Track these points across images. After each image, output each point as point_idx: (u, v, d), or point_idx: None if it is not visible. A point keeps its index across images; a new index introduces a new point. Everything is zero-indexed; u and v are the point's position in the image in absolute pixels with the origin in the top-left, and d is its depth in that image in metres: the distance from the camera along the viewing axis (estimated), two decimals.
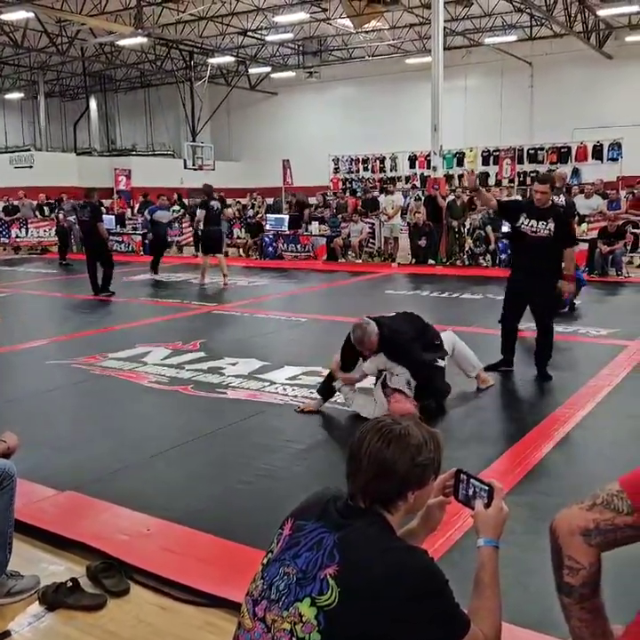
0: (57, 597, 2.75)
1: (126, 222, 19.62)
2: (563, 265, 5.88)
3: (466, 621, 1.58)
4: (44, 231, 19.47)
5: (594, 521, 1.47)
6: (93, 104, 31.08)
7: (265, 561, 1.71)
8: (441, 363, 5.07)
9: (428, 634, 1.53)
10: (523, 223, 5.65)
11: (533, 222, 5.60)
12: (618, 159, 20.38)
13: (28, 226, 19.46)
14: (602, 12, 19.82)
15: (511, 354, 6.11)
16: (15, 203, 20.08)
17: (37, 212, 19.77)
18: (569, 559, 1.49)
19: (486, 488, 1.77)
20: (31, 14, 19.00)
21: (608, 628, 1.55)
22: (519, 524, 3.10)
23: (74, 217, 17.96)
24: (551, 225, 5.54)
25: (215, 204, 12.36)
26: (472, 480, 1.81)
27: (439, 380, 5.06)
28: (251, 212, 19.51)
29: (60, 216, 17.66)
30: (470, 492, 1.81)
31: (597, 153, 21.01)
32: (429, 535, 1.95)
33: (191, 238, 18.25)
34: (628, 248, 13.15)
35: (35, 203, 20.12)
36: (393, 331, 4.90)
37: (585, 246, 12.66)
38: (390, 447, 1.64)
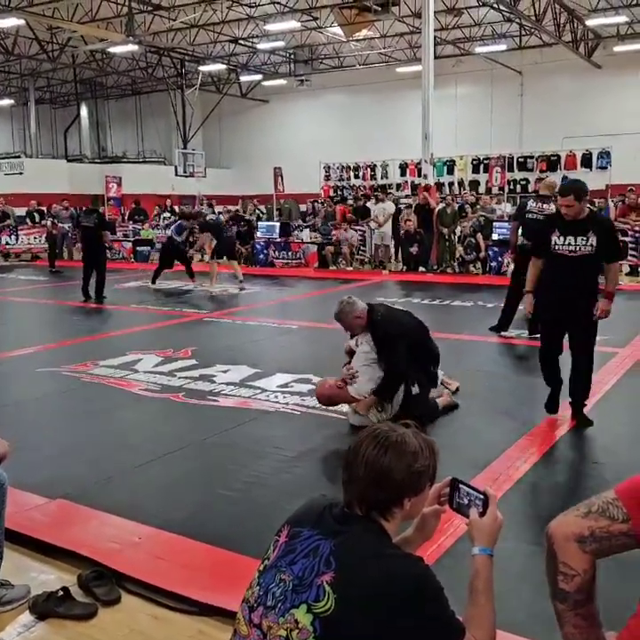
0: (47, 606, 2.73)
1: (117, 229, 19.57)
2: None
3: (460, 629, 1.59)
4: (34, 238, 19.39)
5: (589, 528, 1.47)
6: (84, 111, 31.03)
7: (261, 567, 1.71)
8: (415, 389, 4.98)
9: None
10: (557, 243, 4.71)
11: (570, 239, 4.67)
12: (607, 167, 20.51)
13: (18, 233, 19.39)
14: (590, 22, 20.01)
15: (559, 382, 5.11)
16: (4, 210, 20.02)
17: (28, 219, 19.72)
18: (564, 566, 1.49)
19: (481, 496, 1.77)
20: (22, 21, 18.95)
21: (602, 635, 1.56)
22: (510, 532, 3.10)
23: (70, 224, 17.97)
24: (593, 239, 4.62)
25: (211, 217, 12.93)
26: (467, 488, 1.82)
27: (415, 401, 4.92)
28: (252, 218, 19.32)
29: (49, 223, 17.59)
30: (465, 500, 1.81)
31: (586, 161, 21.14)
32: (424, 543, 1.95)
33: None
34: None
35: (16, 210, 20.08)
36: (387, 318, 4.89)
37: None
38: (387, 454, 1.65)
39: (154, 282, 12.84)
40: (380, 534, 1.64)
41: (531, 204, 7.86)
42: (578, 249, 4.65)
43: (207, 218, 12.93)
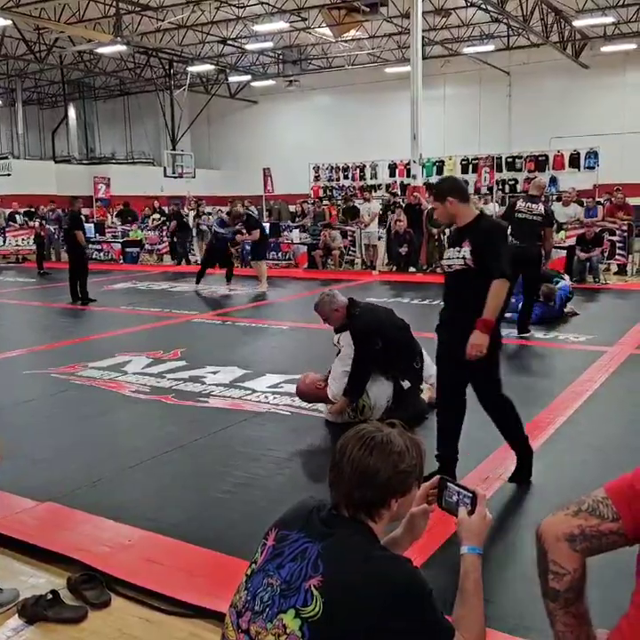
0: (37, 610, 2.71)
1: (106, 231, 19.49)
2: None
3: (450, 630, 1.59)
4: (22, 240, 19.29)
5: (579, 527, 1.48)
6: (72, 112, 30.90)
7: (248, 572, 1.69)
8: (405, 384, 5.01)
9: None
10: (443, 256, 3.96)
11: (449, 251, 3.84)
12: (594, 167, 20.63)
13: (6, 234, 19.28)
14: (577, 23, 20.13)
15: (450, 448, 3.93)
16: None
17: (10, 221, 19.64)
18: (554, 564, 1.50)
19: (470, 495, 1.77)
20: (9, 22, 18.85)
21: (592, 633, 1.56)
22: (499, 532, 3.12)
23: (56, 226, 17.92)
24: (466, 250, 3.66)
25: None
26: (455, 487, 1.82)
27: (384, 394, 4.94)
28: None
29: (37, 225, 17.50)
30: (454, 499, 1.81)
31: (574, 161, 21.25)
32: (413, 543, 1.95)
33: (168, 247, 18.18)
34: (605, 255, 13.31)
35: (7, 211, 19.98)
36: (365, 314, 4.93)
37: (563, 253, 12.85)
38: (372, 455, 1.64)
39: (198, 282, 12.50)
40: (368, 536, 1.63)
41: (520, 203, 7.91)
42: (452, 263, 3.77)
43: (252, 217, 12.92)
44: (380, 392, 4.94)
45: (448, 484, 1.84)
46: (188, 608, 2.74)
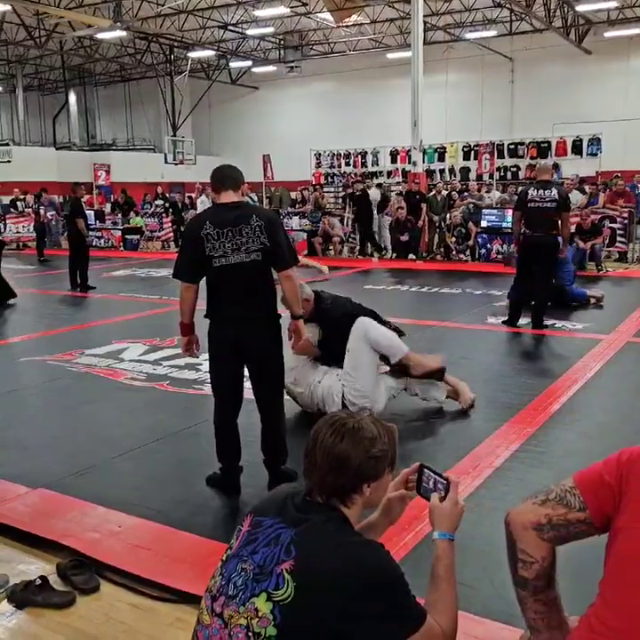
0: (25, 596, 2.74)
1: (105, 218, 19.47)
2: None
3: (422, 614, 1.60)
4: (23, 227, 19.28)
5: (546, 516, 1.49)
6: (72, 98, 30.81)
7: (224, 557, 1.72)
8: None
9: (381, 627, 1.54)
10: None
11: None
12: (597, 154, 20.51)
13: (6, 221, 19.27)
14: (580, 8, 19.95)
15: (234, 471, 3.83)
16: None
17: (11, 208, 19.64)
18: (522, 553, 1.51)
19: (444, 482, 1.79)
20: (8, 7, 18.77)
21: (563, 619, 1.57)
22: (485, 518, 3.13)
23: (53, 213, 17.89)
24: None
25: None
26: (432, 474, 1.84)
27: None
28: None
29: (42, 211, 17.48)
30: (430, 485, 1.83)
31: (577, 148, 21.11)
32: (390, 527, 1.97)
33: (172, 234, 18.14)
34: (606, 243, 13.26)
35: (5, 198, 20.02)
36: (336, 305, 4.95)
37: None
38: (343, 441, 1.66)
39: None
40: (341, 522, 1.65)
41: (531, 192, 7.38)
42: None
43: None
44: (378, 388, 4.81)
45: (426, 470, 1.86)
46: (175, 594, 2.76)
